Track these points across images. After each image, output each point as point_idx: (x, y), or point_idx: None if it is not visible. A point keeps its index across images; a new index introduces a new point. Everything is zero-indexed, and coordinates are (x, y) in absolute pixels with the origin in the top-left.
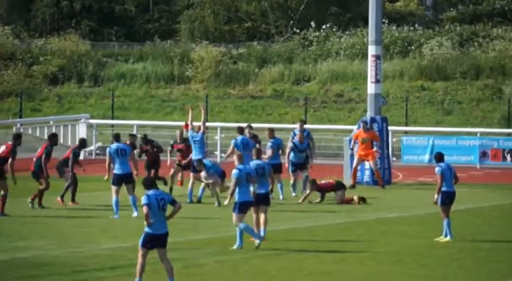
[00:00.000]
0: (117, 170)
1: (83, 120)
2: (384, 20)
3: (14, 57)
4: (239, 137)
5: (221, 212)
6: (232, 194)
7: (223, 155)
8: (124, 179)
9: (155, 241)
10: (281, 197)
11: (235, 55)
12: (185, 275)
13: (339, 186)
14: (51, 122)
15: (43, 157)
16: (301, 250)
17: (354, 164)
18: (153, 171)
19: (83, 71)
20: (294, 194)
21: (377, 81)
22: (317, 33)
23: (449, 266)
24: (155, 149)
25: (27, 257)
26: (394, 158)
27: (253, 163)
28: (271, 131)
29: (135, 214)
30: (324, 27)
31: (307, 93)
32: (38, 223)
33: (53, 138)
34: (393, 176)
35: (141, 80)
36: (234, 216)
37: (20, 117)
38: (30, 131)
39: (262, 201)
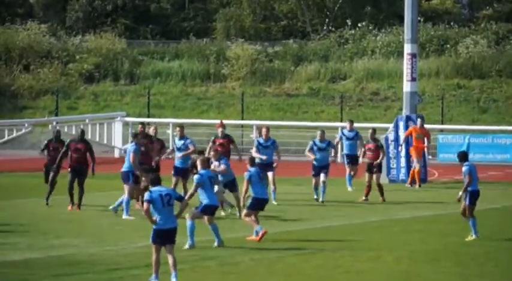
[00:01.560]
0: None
1: (118, 118)
2: (419, 18)
3: (50, 55)
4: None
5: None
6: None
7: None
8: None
9: (164, 236)
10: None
11: (271, 53)
12: (220, 273)
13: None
14: (87, 120)
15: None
16: (337, 248)
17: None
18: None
19: (119, 69)
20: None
21: (413, 79)
22: (353, 32)
23: (485, 265)
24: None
25: (62, 255)
26: (430, 156)
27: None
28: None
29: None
30: (359, 25)
31: (343, 92)
32: (74, 221)
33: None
34: (429, 175)
35: (176, 78)
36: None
37: (56, 115)
38: (66, 129)
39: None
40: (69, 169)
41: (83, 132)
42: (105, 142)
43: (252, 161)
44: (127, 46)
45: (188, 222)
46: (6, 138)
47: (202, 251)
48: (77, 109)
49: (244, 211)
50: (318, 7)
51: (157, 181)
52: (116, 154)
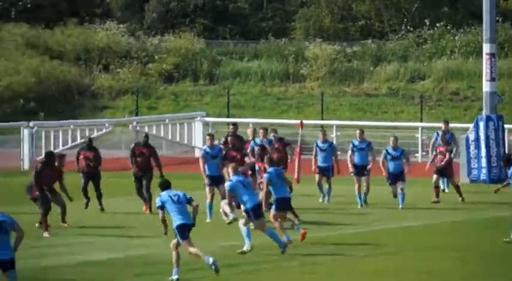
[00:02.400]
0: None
1: (198, 118)
2: (497, 18)
3: (129, 55)
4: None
5: (341, 211)
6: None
7: (339, 152)
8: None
9: (186, 229)
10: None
11: (349, 53)
12: (301, 273)
13: None
14: (166, 120)
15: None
16: (417, 248)
17: None
18: None
19: (198, 69)
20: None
21: (492, 79)
22: (431, 31)
23: None
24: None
25: (142, 255)
26: None
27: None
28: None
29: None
30: (438, 25)
31: (422, 92)
32: (155, 221)
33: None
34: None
35: (256, 78)
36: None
37: (136, 115)
38: (146, 129)
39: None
40: (133, 173)
41: (147, 136)
42: (185, 142)
43: (270, 161)
44: (206, 46)
45: (242, 228)
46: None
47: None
48: (157, 109)
49: (272, 212)
50: (396, 7)
51: (167, 186)
52: (196, 154)
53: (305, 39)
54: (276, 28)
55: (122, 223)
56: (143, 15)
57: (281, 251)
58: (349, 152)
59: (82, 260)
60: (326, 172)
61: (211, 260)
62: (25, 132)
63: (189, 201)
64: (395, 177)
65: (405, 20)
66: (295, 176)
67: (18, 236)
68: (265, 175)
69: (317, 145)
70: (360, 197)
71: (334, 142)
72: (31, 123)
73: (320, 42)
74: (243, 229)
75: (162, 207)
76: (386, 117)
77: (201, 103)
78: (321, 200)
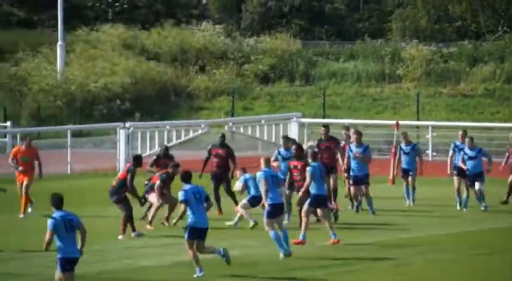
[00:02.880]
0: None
1: (294, 119)
2: None
3: (226, 56)
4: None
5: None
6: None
7: (434, 153)
8: None
9: (199, 233)
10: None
11: (446, 54)
12: (394, 274)
13: None
14: (262, 121)
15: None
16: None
17: None
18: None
19: (294, 69)
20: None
21: None
22: None
23: None
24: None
25: (237, 256)
26: None
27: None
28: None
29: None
30: None
31: None
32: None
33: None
34: None
35: (352, 79)
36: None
37: (232, 116)
38: (241, 130)
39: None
40: (211, 176)
41: (223, 136)
42: (281, 142)
43: (314, 156)
44: (302, 47)
45: (270, 233)
46: (183, 138)
47: (378, 252)
48: (253, 110)
49: (305, 207)
50: (492, 8)
51: (190, 178)
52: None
53: (401, 39)
54: (372, 29)
55: (217, 224)
56: (240, 16)
57: (282, 256)
58: (450, 152)
59: (176, 261)
60: (409, 174)
61: (199, 271)
62: (121, 133)
63: (207, 199)
64: (474, 177)
65: (502, 20)
66: (390, 177)
67: (83, 235)
68: (308, 168)
69: (401, 148)
70: (460, 199)
71: (430, 143)
72: (127, 124)
73: (416, 43)
74: (271, 234)
75: (187, 201)
76: (482, 118)
77: (296, 104)
78: (407, 204)
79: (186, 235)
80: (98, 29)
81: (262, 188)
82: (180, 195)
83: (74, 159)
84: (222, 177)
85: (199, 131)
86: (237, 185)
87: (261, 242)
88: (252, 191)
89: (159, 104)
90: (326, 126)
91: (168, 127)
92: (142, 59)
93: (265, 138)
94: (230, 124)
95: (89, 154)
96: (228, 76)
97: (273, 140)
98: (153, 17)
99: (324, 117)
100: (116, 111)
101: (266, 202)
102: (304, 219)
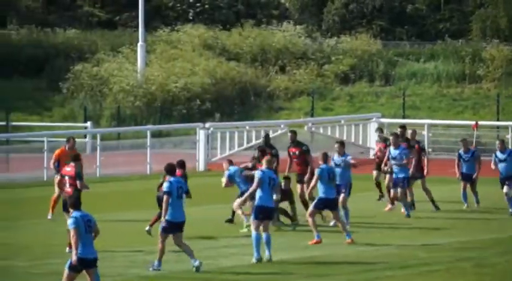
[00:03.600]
0: None
1: (374, 119)
2: None
3: (306, 56)
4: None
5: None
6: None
7: None
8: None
9: (175, 227)
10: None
11: None
12: (476, 274)
13: None
14: (342, 121)
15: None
16: None
17: None
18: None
19: (374, 70)
20: None
21: None
22: None
23: None
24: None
25: (316, 256)
26: None
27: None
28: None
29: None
30: None
31: None
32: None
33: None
34: None
35: (432, 79)
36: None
37: (312, 116)
38: (321, 130)
39: None
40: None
41: (267, 136)
42: (360, 143)
43: (324, 157)
44: (382, 47)
45: (253, 234)
46: (262, 139)
47: (458, 252)
48: (333, 110)
49: (310, 208)
50: None
51: (174, 171)
52: (371, 155)
53: (482, 40)
54: (453, 29)
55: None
56: (321, 17)
57: (254, 260)
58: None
59: (255, 261)
60: (469, 179)
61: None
62: (201, 133)
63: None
64: (504, 180)
65: None
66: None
67: (96, 235)
68: (317, 170)
69: (460, 156)
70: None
71: (510, 143)
72: (207, 125)
73: (497, 43)
74: (253, 234)
75: (169, 193)
76: None
77: (376, 104)
78: (464, 207)
79: (160, 228)
80: (179, 29)
81: (253, 185)
82: (165, 186)
83: (153, 159)
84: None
85: (279, 132)
86: (222, 181)
87: (337, 242)
88: (242, 187)
89: (239, 105)
90: (403, 127)
91: (247, 127)
92: (223, 59)
93: (345, 138)
94: (310, 124)
95: (168, 154)
96: (308, 76)
97: (353, 140)
98: (233, 17)
99: (403, 117)
100: (196, 112)
101: (250, 201)
102: (309, 219)
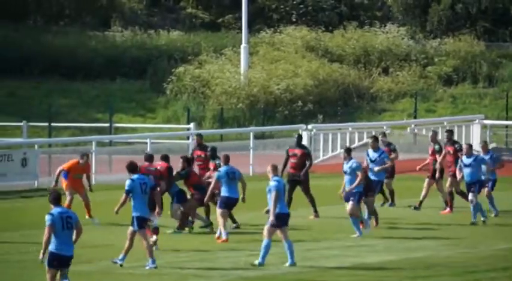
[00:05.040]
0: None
1: (477, 121)
2: None
3: (409, 58)
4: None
5: None
6: None
7: None
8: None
9: (142, 223)
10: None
11: None
12: None
13: None
14: (445, 123)
15: None
16: None
17: None
18: None
19: (478, 71)
20: None
21: None
22: None
23: None
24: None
25: (419, 258)
26: None
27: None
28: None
29: None
30: None
31: None
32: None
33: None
34: None
35: None
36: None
37: (415, 118)
38: (424, 132)
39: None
40: (287, 177)
41: (299, 137)
42: (462, 143)
43: (225, 159)
44: (486, 49)
45: (265, 241)
46: (364, 140)
47: None
48: (435, 112)
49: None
50: None
51: (136, 169)
52: None
53: None
54: None
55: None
56: (425, 18)
57: (256, 263)
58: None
59: (356, 263)
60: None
61: (120, 259)
62: (304, 135)
63: (153, 187)
64: (470, 186)
65: None
66: None
67: (78, 234)
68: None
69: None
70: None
71: None
72: (309, 126)
73: None
74: (265, 241)
75: (129, 192)
76: None
77: (479, 106)
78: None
79: (135, 225)
80: (282, 31)
81: (272, 199)
82: (126, 184)
83: (256, 161)
84: (297, 178)
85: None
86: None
87: (446, 244)
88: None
89: (342, 106)
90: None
91: (350, 129)
92: (325, 61)
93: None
94: (412, 126)
95: (271, 155)
96: (411, 78)
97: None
98: (336, 19)
99: (506, 119)
100: (298, 113)
101: (273, 215)
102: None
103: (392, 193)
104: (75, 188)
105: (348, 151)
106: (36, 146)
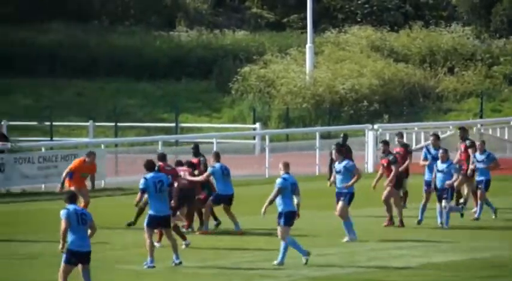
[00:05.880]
0: None
1: None
2: None
3: (474, 57)
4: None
5: None
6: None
7: None
8: None
9: (158, 223)
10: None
11: None
12: None
13: None
14: (511, 123)
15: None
16: None
17: None
18: None
19: None
20: None
21: None
22: None
23: None
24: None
25: (486, 258)
26: None
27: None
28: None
29: None
30: None
31: None
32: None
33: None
34: None
35: None
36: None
37: (481, 117)
38: (490, 132)
39: None
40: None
41: (345, 136)
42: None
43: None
44: None
45: (288, 240)
46: (430, 140)
47: None
48: (501, 112)
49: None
50: None
51: (153, 167)
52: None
53: None
54: None
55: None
56: (489, 18)
57: (305, 260)
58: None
59: (423, 263)
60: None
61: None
62: (369, 135)
63: (170, 184)
64: (441, 192)
65: None
66: None
67: (92, 232)
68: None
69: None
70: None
71: None
72: (375, 126)
73: None
74: (289, 240)
75: (144, 190)
76: None
77: None
78: None
79: (145, 222)
80: (347, 30)
81: (274, 193)
82: (140, 183)
83: (322, 161)
84: None
85: (448, 133)
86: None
87: (507, 244)
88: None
89: (407, 106)
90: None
91: (416, 129)
92: (391, 60)
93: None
94: (478, 126)
95: None
96: (477, 78)
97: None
98: (402, 18)
99: None
100: (364, 113)
101: (265, 208)
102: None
103: (406, 194)
104: (79, 187)
105: (340, 151)
106: (102, 146)
